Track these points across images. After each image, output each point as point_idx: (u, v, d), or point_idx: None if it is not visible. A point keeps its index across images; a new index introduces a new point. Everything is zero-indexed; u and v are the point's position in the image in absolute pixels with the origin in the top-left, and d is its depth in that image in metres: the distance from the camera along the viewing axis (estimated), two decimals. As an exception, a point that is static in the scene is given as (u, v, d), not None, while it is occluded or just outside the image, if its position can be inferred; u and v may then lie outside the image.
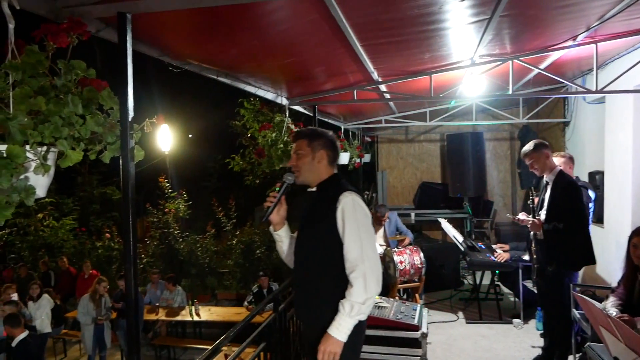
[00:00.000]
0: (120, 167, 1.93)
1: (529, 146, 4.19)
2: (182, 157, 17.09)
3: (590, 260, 4.25)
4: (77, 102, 1.67)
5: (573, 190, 4.05)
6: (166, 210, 11.53)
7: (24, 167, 1.54)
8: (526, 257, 5.06)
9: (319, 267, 2.29)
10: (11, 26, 1.70)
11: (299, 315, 2.51)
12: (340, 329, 2.11)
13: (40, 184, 1.64)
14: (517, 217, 4.48)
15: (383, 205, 6.63)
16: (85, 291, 8.14)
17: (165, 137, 12.12)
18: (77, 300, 9.07)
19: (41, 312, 7.42)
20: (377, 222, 6.32)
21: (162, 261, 11.30)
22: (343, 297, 2.16)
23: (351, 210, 2.19)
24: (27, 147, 1.55)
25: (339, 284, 2.21)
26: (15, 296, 7.28)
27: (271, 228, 2.52)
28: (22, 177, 1.55)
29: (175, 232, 11.38)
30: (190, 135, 18.85)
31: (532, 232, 4.48)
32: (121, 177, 1.95)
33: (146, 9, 1.88)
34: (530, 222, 4.27)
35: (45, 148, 1.61)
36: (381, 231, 6.40)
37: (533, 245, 4.49)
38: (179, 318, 8.05)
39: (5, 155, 1.46)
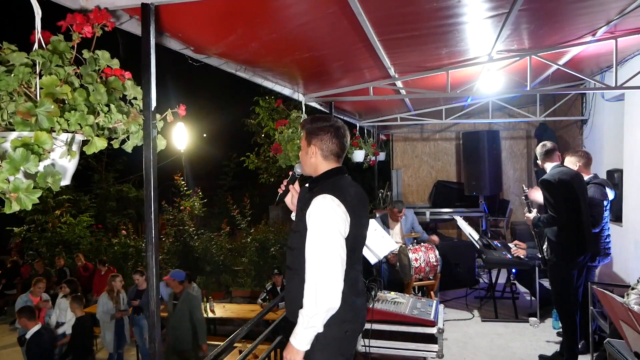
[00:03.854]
0: (143, 155, 1.96)
1: (540, 149, 4.56)
2: (198, 155, 17.22)
3: (583, 250, 4.30)
4: (102, 91, 1.71)
5: (542, 186, 4.34)
6: (181, 207, 11.65)
7: (50, 153, 1.57)
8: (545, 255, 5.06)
9: (296, 263, 2.23)
10: (38, 16, 1.73)
11: (285, 303, 2.46)
12: (297, 338, 2.07)
13: (65, 170, 1.68)
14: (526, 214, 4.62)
15: (400, 201, 6.63)
16: (102, 287, 8.23)
17: (181, 136, 12.24)
18: (94, 296, 9.21)
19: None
20: (394, 218, 6.32)
21: (177, 258, 11.40)
22: None
23: (315, 216, 2.08)
24: (54, 134, 1.58)
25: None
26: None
27: (292, 214, 2.54)
28: (48, 162, 1.59)
29: (191, 230, 11.48)
30: (204, 135, 18.99)
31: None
32: (143, 165, 1.97)
33: (169, 0, 1.91)
34: (526, 216, 4.67)
35: (70, 135, 1.64)
36: (397, 228, 6.39)
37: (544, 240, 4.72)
38: (193, 314, 8.10)
39: (32, 141, 1.50)
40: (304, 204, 2.22)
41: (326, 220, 2.07)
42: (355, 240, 2.19)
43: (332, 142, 2.24)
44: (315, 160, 2.26)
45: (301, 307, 2.09)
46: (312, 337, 2.07)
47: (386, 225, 6.34)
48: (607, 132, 6.48)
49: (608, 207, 4.94)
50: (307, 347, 2.08)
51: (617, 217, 5.91)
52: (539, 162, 4.58)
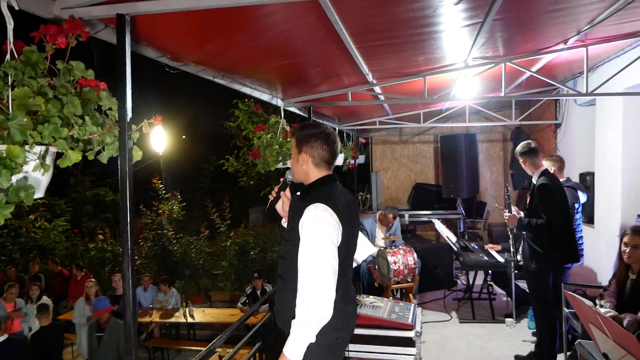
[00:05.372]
0: (119, 167, 1.94)
1: (522, 147, 4.40)
2: (176, 158, 17.06)
3: (569, 258, 4.35)
4: (77, 103, 1.69)
5: (541, 191, 4.17)
6: (160, 211, 11.52)
7: (23, 167, 1.55)
8: (519, 257, 5.15)
9: (288, 273, 2.22)
10: (10, 26, 1.71)
11: (275, 312, 2.43)
12: (290, 349, 2.05)
13: (39, 184, 1.66)
14: (505, 210, 4.66)
15: (395, 207, 6.68)
16: (79, 293, 8.11)
17: (159, 138, 12.11)
18: (70, 302, 9.05)
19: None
20: (385, 222, 6.38)
21: (156, 263, 11.28)
22: None
23: (308, 226, 2.07)
24: (27, 147, 1.56)
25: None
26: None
27: (282, 220, 2.54)
28: (21, 176, 1.57)
29: (169, 234, 11.36)
30: (183, 137, 18.84)
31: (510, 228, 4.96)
32: (119, 177, 1.96)
33: (145, 11, 1.90)
34: (506, 216, 4.53)
35: (44, 148, 1.62)
36: (383, 232, 6.46)
37: (520, 243, 4.74)
38: (172, 320, 8.03)
39: (4, 155, 1.48)
40: (295, 212, 2.22)
41: (319, 230, 2.06)
42: (346, 249, 2.19)
43: (323, 149, 2.25)
44: (307, 167, 2.27)
45: (293, 317, 2.09)
46: (305, 347, 2.06)
47: (372, 228, 6.42)
48: (580, 136, 6.65)
49: (580, 210, 5.07)
50: (300, 357, 2.06)
51: (589, 219, 6.07)
52: (520, 160, 4.42)
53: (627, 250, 3.27)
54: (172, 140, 13.90)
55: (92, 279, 8.18)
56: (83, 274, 9.56)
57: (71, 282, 9.78)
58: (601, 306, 3.36)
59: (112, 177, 15.66)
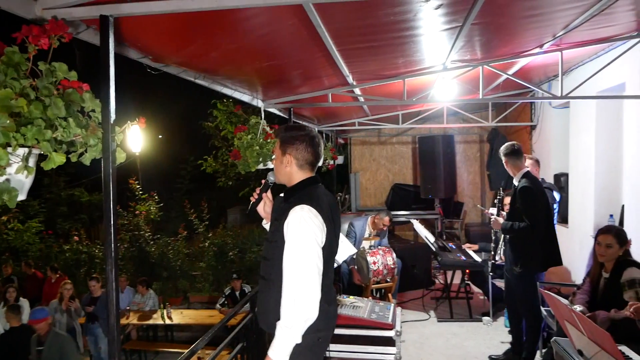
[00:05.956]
0: (102, 169, 1.93)
1: (505, 149, 4.36)
2: (154, 158, 16.84)
3: (552, 261, 4.40)
4: (60, 104, 1.67)
5: (523, 194, 4.14)
6: (137, 212, 11.37)
7: (6, 169, 1.53)
8: (497, 258, 5.25)
9: (272, 274, 2.22)
10: (-9, 27, 1.68)
11: (257, 313, 2.42)
12: (276, 351, 2.04)
13: (22, 186, 1.64)
14: (488, 211, 4.71)
15: (390, 212, 6.54)
16: (52, 296, 7.96)
17: (136, 138, 11.93)
18: (44, 305, 8.85)
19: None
20: (379, 227, 6.25)
21: (133, 264, 11.13)
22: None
23: (294, 227, 2.09)
24: (9, 149, 1.54)
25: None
26: None
27: (263, 222, 2.54)
28: (3, 179, 1.55)
29: (146, 235, 11.22)
30: (160, 136, 18.62)
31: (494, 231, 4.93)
32: (102, 179, 1.95)
33: (129, 13, 1.89)
34: (492, 219, 4.55)
35: (27, 150, 1.60)
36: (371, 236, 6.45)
37: (501, 245, 4.78)
38: (150, 322, 7.94)
39: (-13, 157, 1.46)
40: (279, 214, 2.22)
41: (305, 231, 2.07)
42: (329, 250, 2.20)
43: (308, 151, 2.25)
44: (290, 169, 2.26)
45: (277, 318, 2.09)
46: (291, 349, 2.05)
47: (362, 231, 6.37)
48: (555, 138, 6.81)
49: (556, 210, 5.19)
50: (286, 358, 2.05)
51: (564, 219, 6.22)
52: (503, 160, 4.35)
53: (601, 250, 3.38)
54: (149, 140, 13.71)
55: (68, 281, 8.03)
56: (57, 276, 9.36)
57: (45, 284, 9.57)
58: (573, 303, 3.46)
59: (88, 177, 15.39)
